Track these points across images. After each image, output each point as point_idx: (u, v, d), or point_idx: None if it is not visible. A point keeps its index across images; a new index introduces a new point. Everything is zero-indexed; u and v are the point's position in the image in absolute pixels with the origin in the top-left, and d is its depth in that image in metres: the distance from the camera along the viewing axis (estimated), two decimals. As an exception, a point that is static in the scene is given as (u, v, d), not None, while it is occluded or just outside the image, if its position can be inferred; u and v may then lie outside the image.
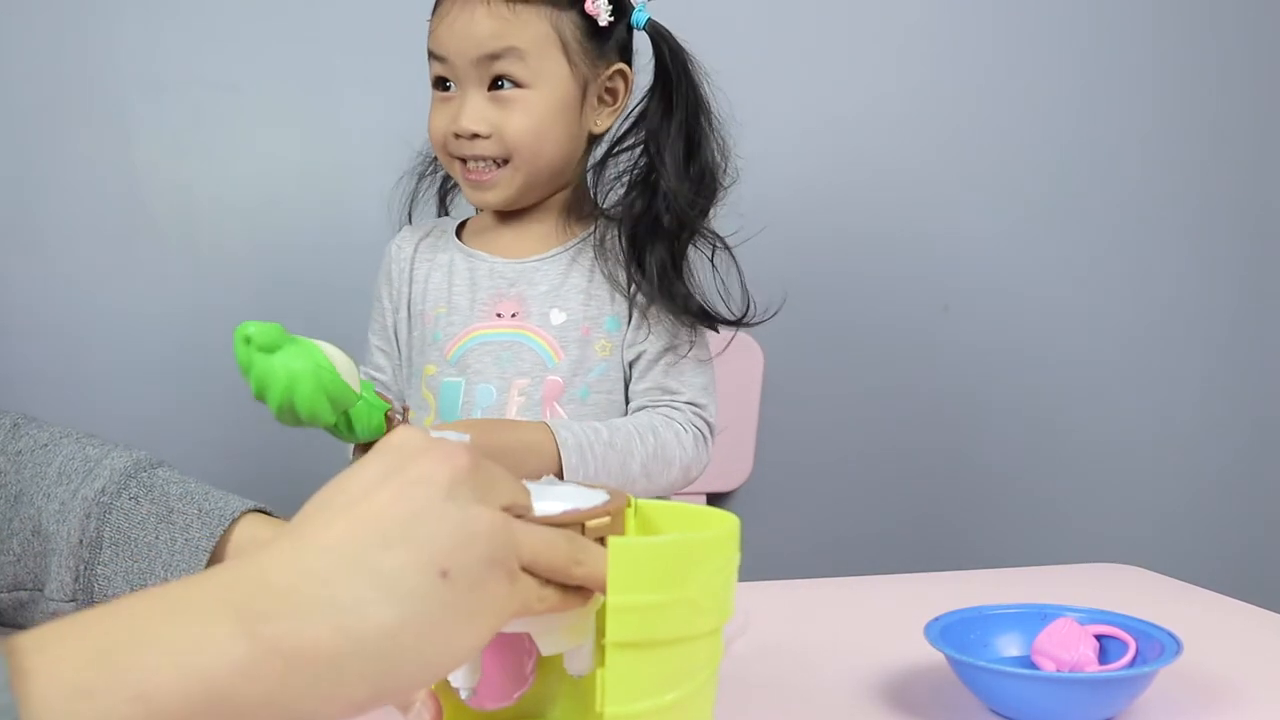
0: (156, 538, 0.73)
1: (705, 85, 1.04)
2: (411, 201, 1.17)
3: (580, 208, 1.09)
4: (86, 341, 1.56)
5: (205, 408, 1.58)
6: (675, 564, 0.50)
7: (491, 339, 1.05)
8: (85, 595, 0.73)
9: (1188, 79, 1.79)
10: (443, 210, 1.19)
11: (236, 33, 1.54)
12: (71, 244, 1.55)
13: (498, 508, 0.45)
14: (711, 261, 1.05)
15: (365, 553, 0.40)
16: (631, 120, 1.06)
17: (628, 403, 1.07)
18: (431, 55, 1.02)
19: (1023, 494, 1.77)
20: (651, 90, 1.05)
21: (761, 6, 1.64)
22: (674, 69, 1.03)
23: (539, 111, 1.01)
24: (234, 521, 0.74)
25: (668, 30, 1.04)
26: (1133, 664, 0.68)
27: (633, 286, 1.03)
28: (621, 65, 1.05)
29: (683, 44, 1.04)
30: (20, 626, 0.76)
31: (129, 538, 0.73)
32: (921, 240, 1.72)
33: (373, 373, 1.13)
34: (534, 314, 1.04)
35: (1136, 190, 1.79)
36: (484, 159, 1.02)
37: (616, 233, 1.05)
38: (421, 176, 1.17)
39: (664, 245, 1.02)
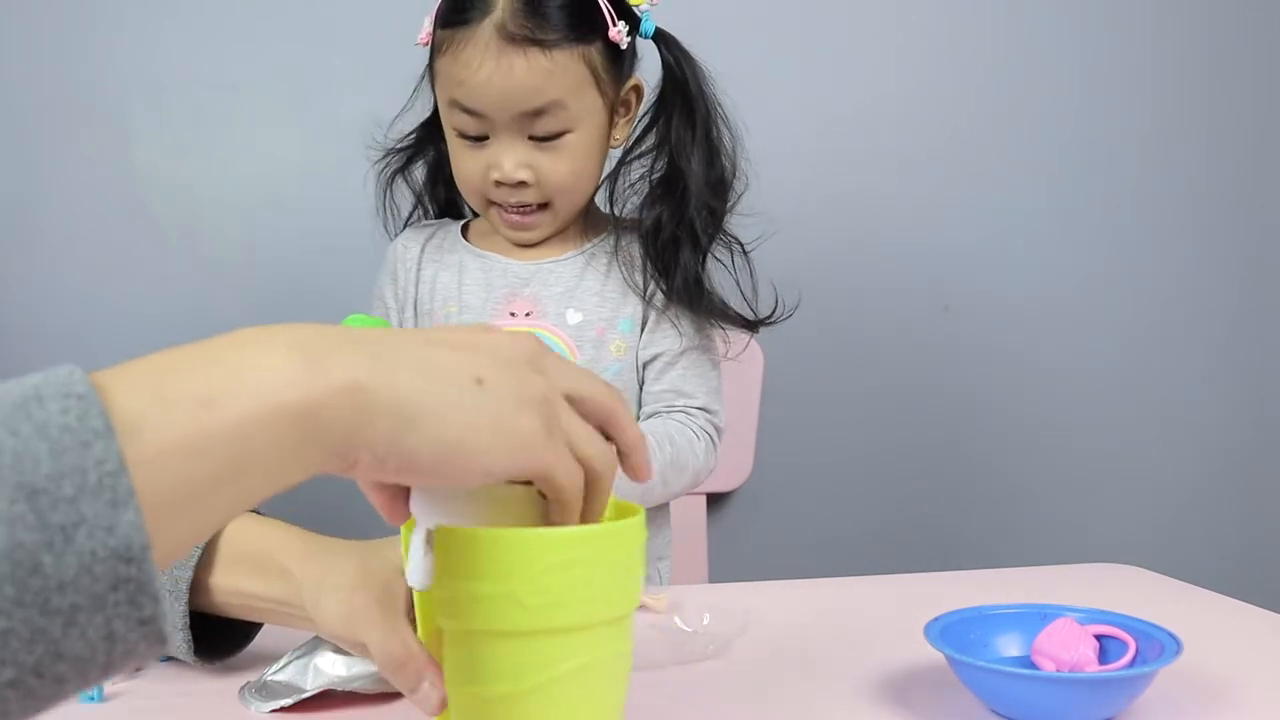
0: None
1: (714, 87, 1.04)
2: (386, 210, 1.15)
3: (592, 215, 1.10)
4: (86, 341, 1.56)
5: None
6: (494, 556, 0.49)
7: None
8: None
9: (1187, 79, 1.79)
10: (423, 208, 1.17)
11: (236, 33, 1.54)
12: (72, 244, 1.55)
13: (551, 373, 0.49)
14: (731, 266, 1.05)
15: (423, 346, 0.45)
16: (643, 126, 1.06)
17: (639, 405, 1.07)
18: (458, 106, 0.99)
19: (1023, 494, 1.77)
20: (661, 96, 1.04)
21: (760, 9, 1.64)
22: (686, 74, 1.03)
23: (580, 153, 1.01)
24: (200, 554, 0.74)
25: (673, 36, 1.04)
26: (1133, 664, 0.68)
27: (651, 288, 1.04)
28: (636, 79, 1.05)
29: (688, 48, 1.05)
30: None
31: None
32: (921, 241, 1.72)
33: None
34: (550, 314, 1.05)
35: (1136, 191, 1.79)
36: (526, 205, 1.02)
37: (633, 238, 1.05)
38: (390, 182, 1.14)
39: (690, 249, 1.02)
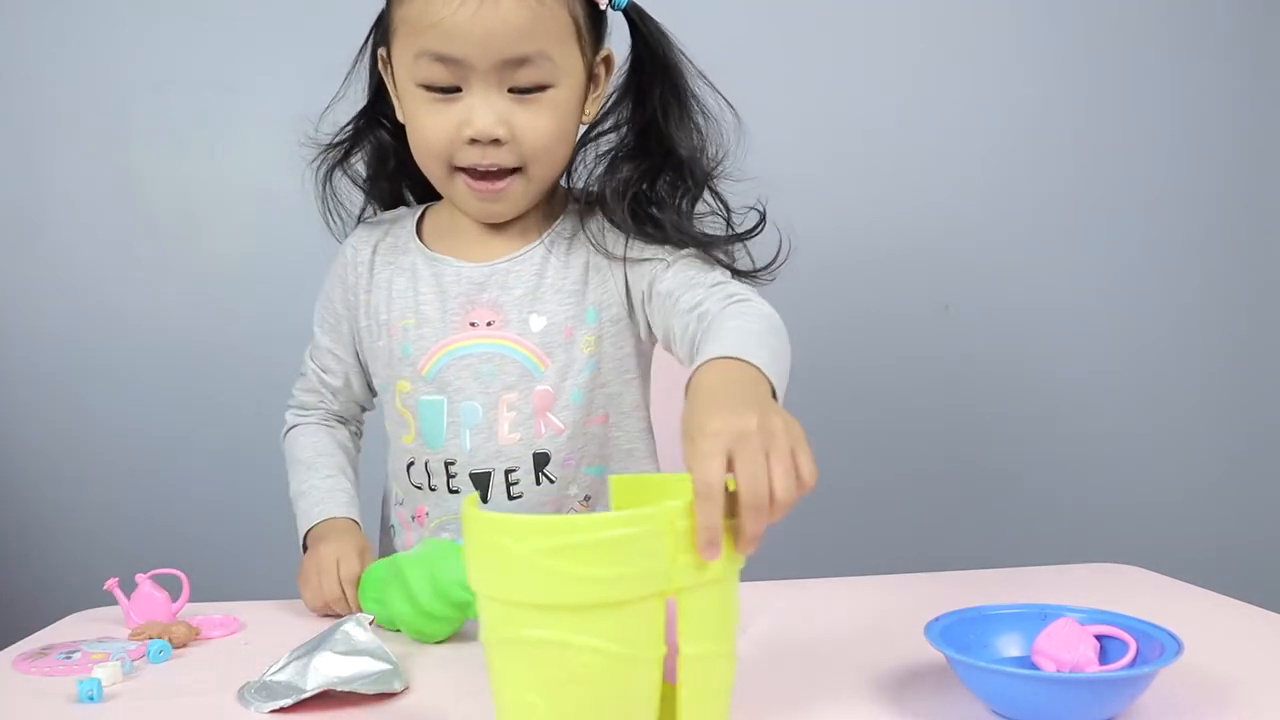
0: None
1: (683, 53, 0.98)
2: (329, 210, 1.06)
3: (551, 200, 1.03)
4: (86, 341, 1.56)
5: (204, 406, 1.58)
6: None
7: (469, 351, 0.98)
8: None
9: (1189, 81, 1.79)
10: (370, 202, 1.08)
11: (236, 33, 1.54)
12: (71, 244, 1.55)
13: None
14: (728, 223, 0.98)
15: None
16: (613, 100, 0.99)
17: (641, 376, 1.01)
18: (428, 55, 0.89)
19: (1023, 494, 1.77)
20: (633, 72, 0.98)
21: (758, 8, 1.64)
22: (662, 45, 0.96)
23: (560, 113, 0.93)
24: None
25: (644, 9, 0.98)
26: (1133, 664, 0.68)
27: (631, 243, 0.96)
28: (608, 49, 0.98)
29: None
30: None
31: None
32: (922, 240, 1.72)
33: (320, 373, 1.07)
34: (512, 321, 0.98)
35: (1136, 194, 1.79)
36: (499, 169, 0.93)
37: (597, 211, 0.99)
38: (328, 178, 1.05)
39: (673, 204, 0.95)
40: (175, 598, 0.91)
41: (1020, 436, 1.77)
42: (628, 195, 0.96)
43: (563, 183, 1.03)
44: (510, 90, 0.90)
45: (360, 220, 1.08)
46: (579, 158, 1.00)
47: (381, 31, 0.98)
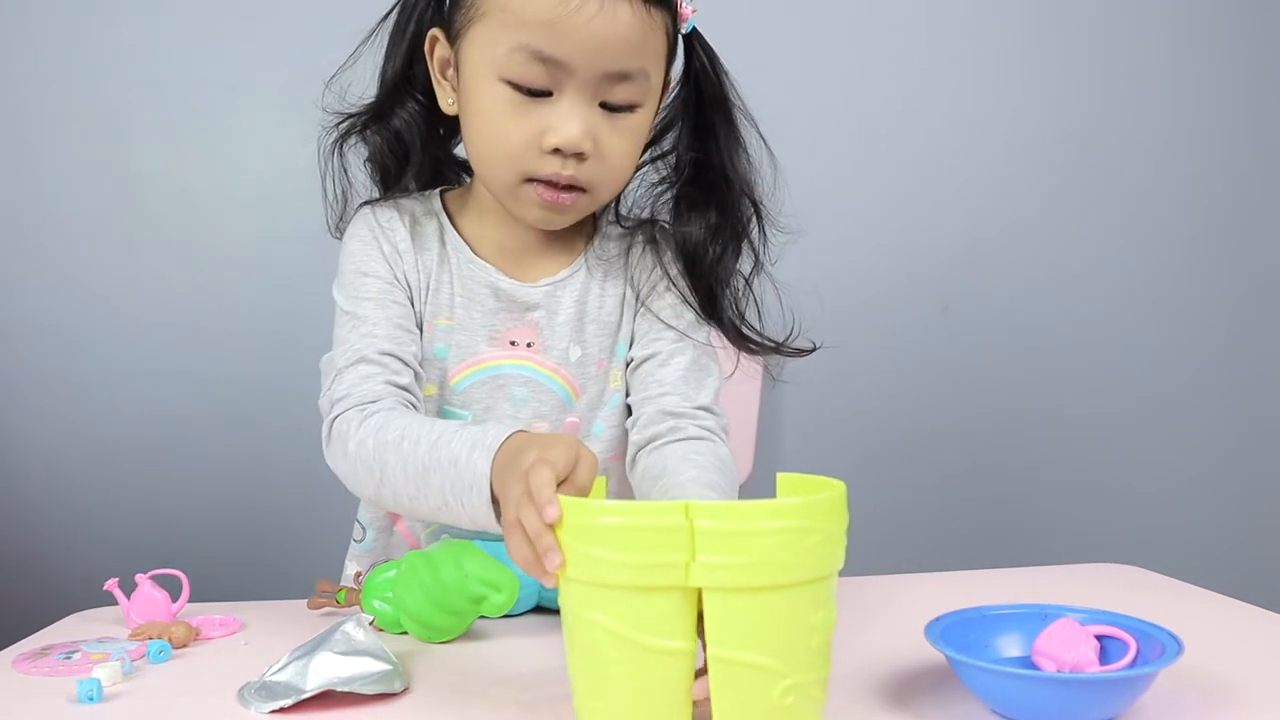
0: None
1: (734, 86, 0.95)
2: (335, 187, 0.97)
3: (584, 218, 0.99)
4: (86, 342, 1.56)
5: (204, 406, 1.58)
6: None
7: (506, 371, 0.94)
8: None
9: (1191, 81, 1.79)
10: (380, 181, 0.99)
11: (236, 33, 1.54)
12: (72, 244, 1.55)
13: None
14: (747, 282, 0.96)
15: None
16: (663, 126, 0.96)
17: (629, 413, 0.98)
18: (527, 52, 0.83)
19: (1023, 494, 1.77)
20: (687, 100, 0.94)
21: (756, 7, 1.64)
22: (720, 76, 0.94)
23: (638, 137, 0.89)
24: None
25: (703, 36, 0.95)
26: (1133, 664, 0.68)
27: (665, 295, 0.95)
28: (668, 75, 0.94)
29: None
30: None
31: None
32: (922, 240, 1.72)
33: (399, 355, 0.89)
34: (554, 349, 0.94)
35: (1135, 193, 1.79)
36: (576, 183, 0.88)
37: (648, 246, 0.97)
38: (338, 150, 0.96)
39: (732, 261, 0.94)
40: (175, 598, 0.91)
41: (1020, 436, 1.77)
42: (696, 258, 0.94)
43: (612, 208, 1.00)
44: (601, 104, 0.86)
45: (366, 201, 0.98)
46: (642, 179, 0.97)
47: (440, 11, 0.92)
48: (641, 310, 0.97)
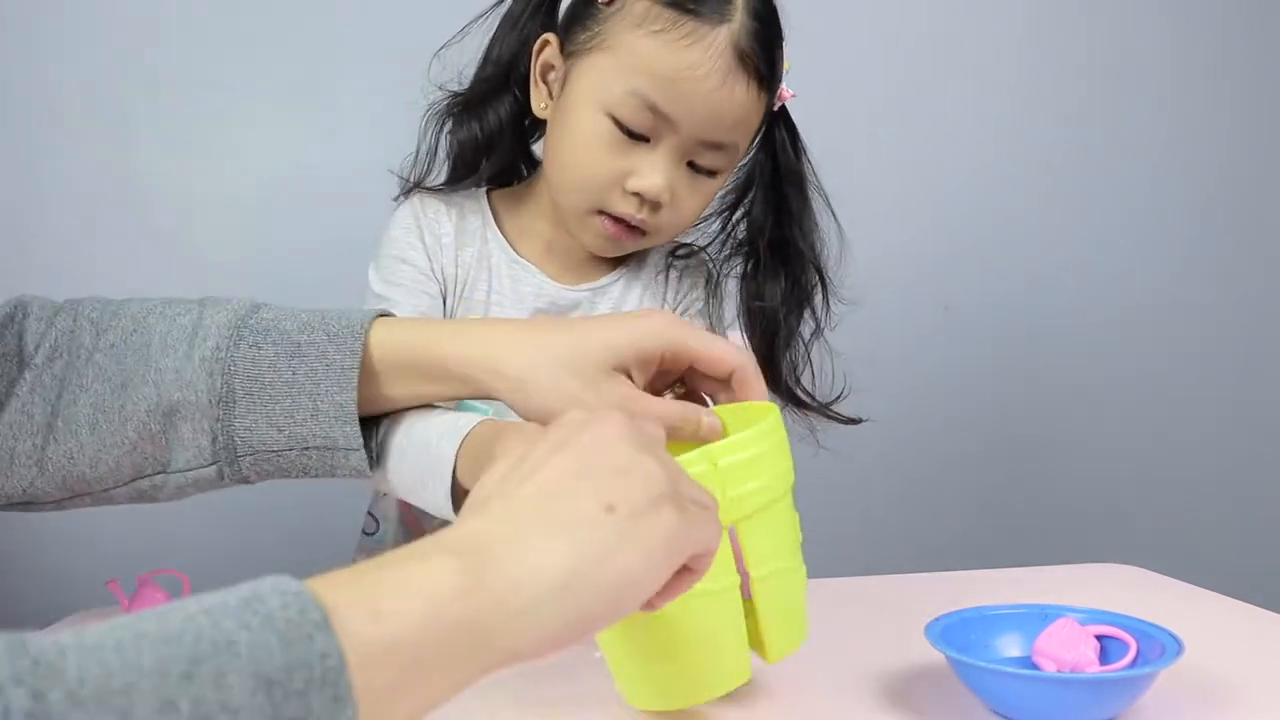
0: (294, 373, 0.73)
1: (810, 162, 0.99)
2: (426, 159, 0.96)
3: None
4: (86, 341, 1.56)
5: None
6: None
7: None
8: (227, 453, 0.74)
9: (1192, 81, 1.79)
10: (453, 169, 0.98)
11: (236, 33, 1.54)
12: (72, 244, 1.55)
13: (657, 453, 0.50)
14: (806, 347, 0.98)
15: (546, 504, 0.47)
16: (741, 187, 0.99)
17: None
18: (641, 99, 0.86)
19: (1023, 494, 1.77)
20: (761, 162, 0.97)
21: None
22: (794, 152, 0.97)
23: (712, 194, 0.94)
24: (366, 333, 0.74)
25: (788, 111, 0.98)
26: (1133, 665, 0.68)
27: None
28: None
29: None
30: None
31: (262, 383, 0.73)
32: (922, 239, 1.72)
33: None
34: None
35: (1136, 193, 1.79)
36: (644, 226, 0.90)
37: (690, 270, 1.00)
38: (441, 125, 0.96)
39: (796, 325, 0.96)
40: (176, 598, 0.91)
41: (1020, 436, 1.77)
42: (767, 321, 0.96)
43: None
44: (688, 164, 0.90)
45: (417, 186, 0.98)
46: (705, 224, 1.00)
47: (552, 16, 0.94)
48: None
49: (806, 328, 0.98)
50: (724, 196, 0.99)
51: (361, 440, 0.73)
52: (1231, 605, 0.91)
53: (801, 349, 0.98)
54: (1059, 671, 0.68)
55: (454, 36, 0.96)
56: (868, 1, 1.69)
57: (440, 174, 0.98)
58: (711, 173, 0.91)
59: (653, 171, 0.88)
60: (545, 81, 0.93)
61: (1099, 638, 0.70)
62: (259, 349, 0.73)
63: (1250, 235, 1.83)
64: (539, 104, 0.94)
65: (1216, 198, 1.81)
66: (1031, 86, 1.74)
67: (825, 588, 0.98)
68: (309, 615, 0.38)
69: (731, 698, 0.70)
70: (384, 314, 0.77)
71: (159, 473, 0.76)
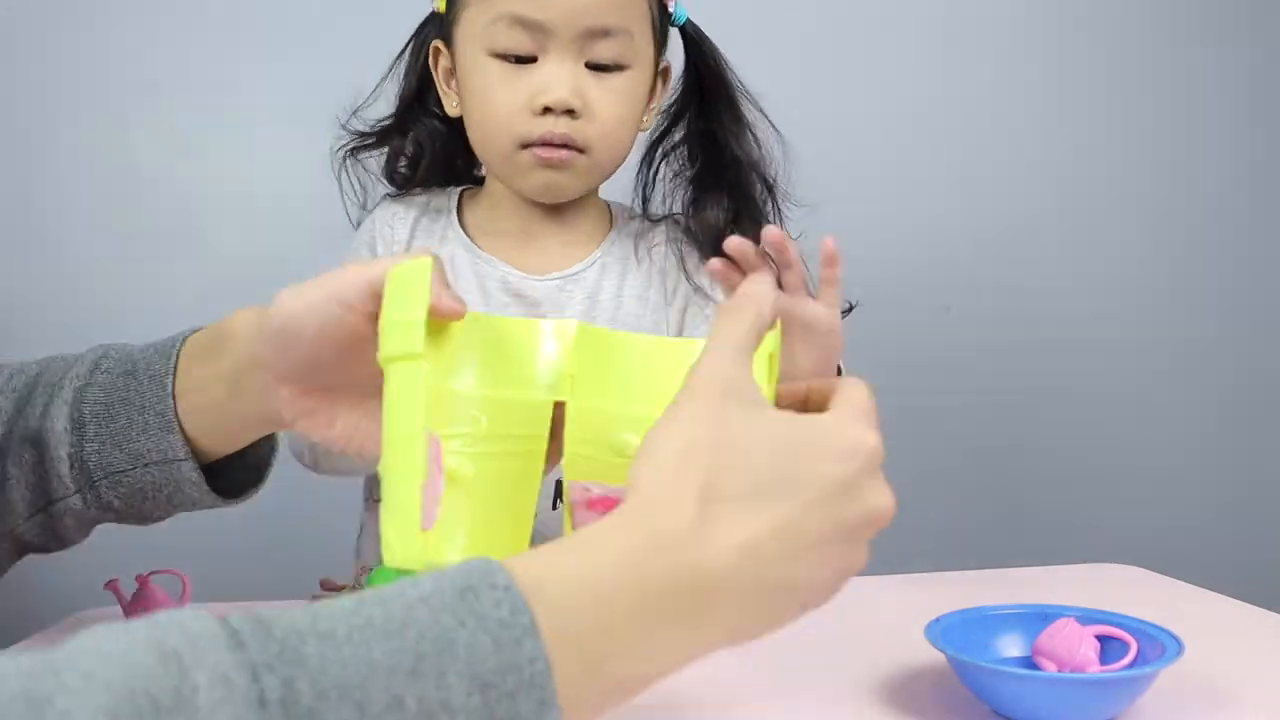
0: (127, 391, 0.73)
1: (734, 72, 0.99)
2: (351, 189, 1.02)
3: (596, 209, 1.01)
4: (86, 341, 1.56)
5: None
6: None
7: None
8: (83, 478, 0.74)
9: (1193, 81, 1.79)
10: (392, 185, 1.03)
11: (236, 33, 1.54)
12: (72, 244, 1.55)
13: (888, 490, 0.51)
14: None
15: (793, 546, 0.46)
16: (668, 121, 1.00)
17: None
18: (509, 19, 0.88)
19: (1023, 494, 1.77)
20: (688, 89, 0.99)
21: (758, 7, 1.64)
22: (718, 63, 0.98)
23: (629, 99, 0.92)
24: (181, 344, 0.74)
25: (698, 25, 0.99)
26: (1134, 665, 0.68)
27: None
28: (666, 60, 0.99)
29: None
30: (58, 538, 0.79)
31: (105, 404, 0.73)
32: (923, 239, 1.72)
33: None
34: None
35: (1141, 192, 1.79)
36: (569, 141, 0.90)
37: (664, 236, 0.99)
38: (346, 159, 1.01)
39: (748, 232, 0.92)
40: (176, 598, 0.91)
41: (1019, 436, 1.77)
42: (718, 244, 0.92)
43: (635, 203, 1.02)
44: (588, 65, 0.90)
45: (386, 195, 1.03)
46: (643, 175, 1.00)
47: (437, 23, 0.98)
48: (676, 304, 0.98)
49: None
50: (655, 134, 0.99)
51: (187, 449, 0.72)
52: (1231, 605, 0.91)
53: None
54: (1059, 671, 0.68)
55: (366, 99, 1.02)
56: (869, 2, 1.69)
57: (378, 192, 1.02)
58: (616, 67, 0.90)
59: (551, 81, 0.89)
60: (450, 87, 0.96)
61: (1099, 638, 0.70)
62: (108, 374, 0.75)
63: (1251, 234, 1.83)
64: (450, 105, 0.97)
65: (1217, 197, 1.81)
66: (1032, 86, 1.74)
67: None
68: (519, 618, 0.39)
69: (731, 697, 0.70)
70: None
71: (44, 508, 0.76)
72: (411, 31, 1.03)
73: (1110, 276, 1.78)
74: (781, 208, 0.99)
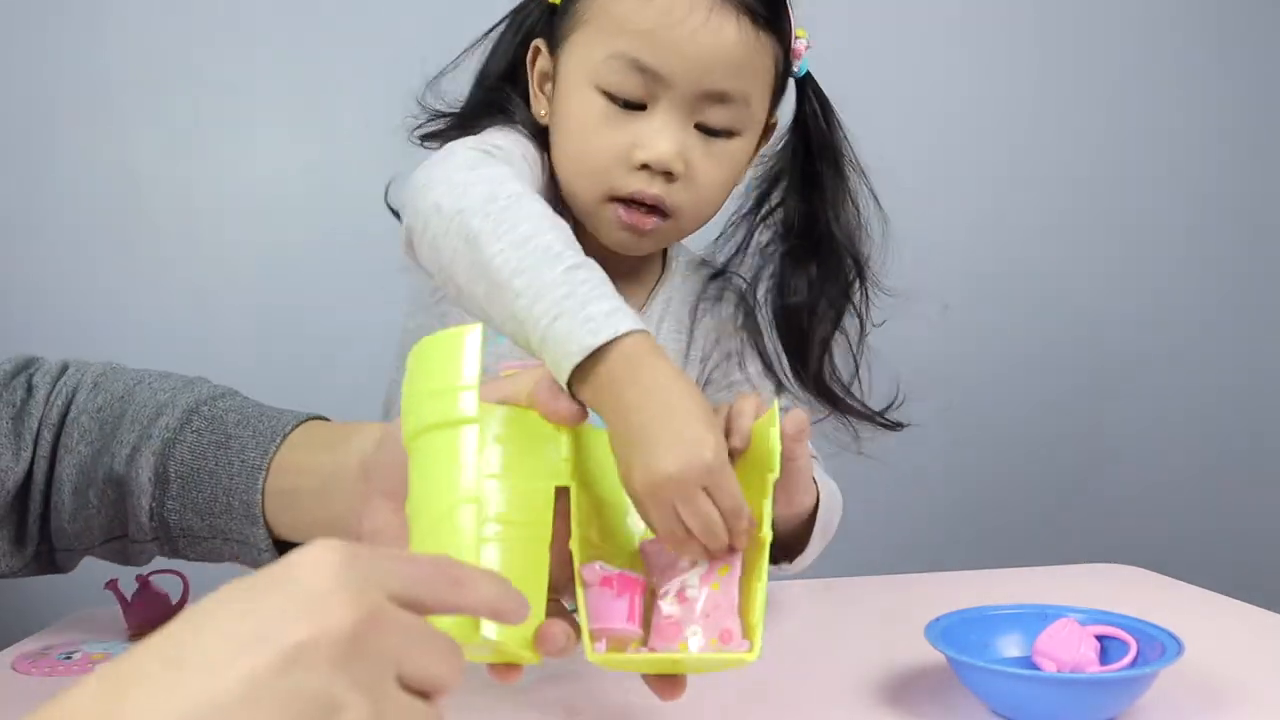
0: (216, 464, 0.73)
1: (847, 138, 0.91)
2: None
3: (654, 255, 0.94)
4: (87, 342, 1.56)
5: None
6: None
7: None
8: (162, 531, 0.75)
9: (1194, 80, 1.79)
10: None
11: (236, 33, 1.54)
12: (71, 244, 1.55)
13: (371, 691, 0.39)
14: (852, 346, 0.93)
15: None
16: (768, 181, 0.91)
17: None
18: (625, 60, 0.80)
19: (1023, 494, 1.77)
20: (795, 148, 0.90)
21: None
22: (833, 124, 0.91)
23: (733, 166, 0.85)
24: (285, 436, 0.73)
25: (817, 81, 0.91)
26: (1134, 665, 0.68)
27: (767, 368, 0.91)
28: (776, 115, 0.91)
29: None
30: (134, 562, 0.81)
31: (193, 469, 0.74)
32: (922, 239, 1.72)
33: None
34: None
35: (1140, 191, 1.79)
36: (659, 204, 0.82)
37: (719, 294, 0.93)
38: (435, 140, 0.90)
39: (831, 323, 0.90)
40: (175, 598, 0.91)
41: (1019, 436, 1.77)
42: (792, 314, 0.89)
43: (715, 254, 0.95)
44: (697, 126, 0.82)
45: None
46: (734, 238, 0.92)
47: (544, 19, 0.89)
48: (722, 367, 0.93)
49: (851, 325, 0.92)
50: (751, 191, 0.91)
51: (269, 542, 0.72)
52: (1231, 605, 0.91)
53: (848, 348, 0.92)
54: (1059, 671, 0.68)
55: (447, 67, 0.92)
56: (870, 2, 1.69)
57: None
58: (727, 133, 0.83)
59: (656, 137, 0.80)
60: (543, 91, 0.88)
61: (1099, 638, 0.70)
62: (199, 435, 0.74)
63: (1253, 233, 1.83)
64: (539, 111, 0.89)
65: (1218, 194, 1.81)
66: (1032, 86, 1.74)
67: (826, 588, 0.98)
68: None
69: (730, 697, 0.70)
70: (318, 418, 0.74)
71: (121, 537, 0.77)
72: (503, 16, 0.92)
73: (1111, 275, 1.79)
74: (870, 294, 0.92)
